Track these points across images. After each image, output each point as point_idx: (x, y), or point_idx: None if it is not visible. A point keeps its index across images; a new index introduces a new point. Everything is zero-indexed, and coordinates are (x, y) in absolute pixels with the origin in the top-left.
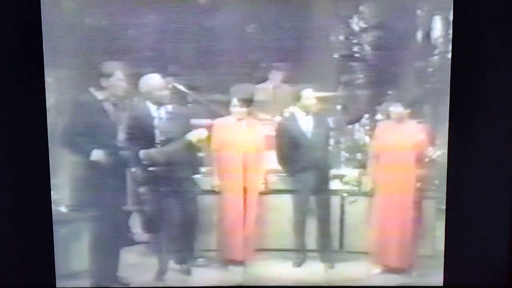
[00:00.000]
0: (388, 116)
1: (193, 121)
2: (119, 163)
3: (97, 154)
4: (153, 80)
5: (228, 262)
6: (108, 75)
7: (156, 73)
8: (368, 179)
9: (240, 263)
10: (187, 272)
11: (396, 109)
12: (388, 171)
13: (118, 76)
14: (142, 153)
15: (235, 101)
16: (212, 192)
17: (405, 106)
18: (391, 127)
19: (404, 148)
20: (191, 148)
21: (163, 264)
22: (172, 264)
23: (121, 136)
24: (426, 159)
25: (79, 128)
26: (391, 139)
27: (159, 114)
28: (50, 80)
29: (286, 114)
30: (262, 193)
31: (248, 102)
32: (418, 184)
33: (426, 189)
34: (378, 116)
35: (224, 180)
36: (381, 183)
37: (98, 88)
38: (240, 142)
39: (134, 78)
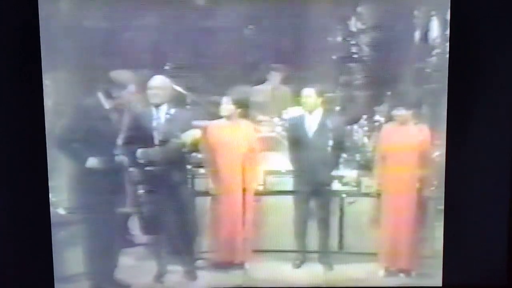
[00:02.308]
0: (387, 118)
1: (192, 123)
2: (117, 166)
3: (92, 161)
4: (154, 80)
5: (227, 264)
6: (121, 86)
7: (153, 74)
8: (373, 181)
9: (239, 265)
10: (193, 277)
11: (399, 112)
12: (393, 173)
13: (130, 89)
14: (139, 152)
15: (229, 100)
16: (210, 194)
17: (407, 107)
18: (395, 129)
19: (409, 150)
20: (187, 148)
21: (162, 266)
22: (171, 266)
23: (119, 137)
24: (426, 160)
25: (77, 131)
26: (396, 141)
27: (158, 116)
28: (47, 82)
29: (291, 114)
30: (260, 194)
31: (242, 103)
32: (418, 185)
33: (425, 189)
34: (377, 117)
35: (222, 182)
36: (384, 185)
37: (108, 96)
38: (235, 143)
39: (140, 86)
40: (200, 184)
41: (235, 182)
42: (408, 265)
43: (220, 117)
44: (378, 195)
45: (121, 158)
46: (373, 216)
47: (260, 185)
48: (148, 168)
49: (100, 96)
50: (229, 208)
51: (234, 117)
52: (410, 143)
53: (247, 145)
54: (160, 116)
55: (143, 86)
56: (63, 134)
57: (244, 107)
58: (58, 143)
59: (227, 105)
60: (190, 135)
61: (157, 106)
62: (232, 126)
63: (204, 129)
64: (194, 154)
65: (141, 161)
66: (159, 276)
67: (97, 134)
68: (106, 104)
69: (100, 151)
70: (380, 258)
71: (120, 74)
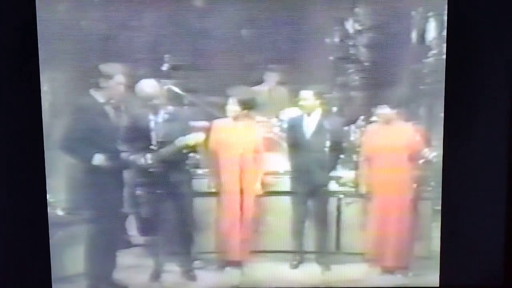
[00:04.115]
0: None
1: (190, 123)
2: (116, 166)
3: (99, 159)
4: (147, 87)
5: (225, 264)
6: (108, 77)
7: (151, 75)
8: (361, 181)
9: (237, 265)
10: (190, 277)
11: (384, 110)
12: (380, 173)
13: (118, 79)
14: (137, 153)
15: (233, 101)
16: (209, 194)
17: (396, 107)
18: (380, 129)
19: (395, 150)
20: (188, 150)
21: (158, 266)
22: (167, 266)
23: (119, 138)
24: (422, 160)
25: (76, 131)
26: (381, 141)
27: (155, 118)
28: (45, 82)
29: (288, 115)
30: (259, 195)
31: (248, 104)
32: (414, 185)
33: (421, 190)
34: (374, 118)
35: (222, 182)
36: (373, 185)
37: (97, 89)
38: (237, 143)
39: (130, 80)
40: (198, 184)
41: (238, 182)
42: (404, 265)
43: (219, 117)
44: (371, 196)
45: (119, 158)
46: (368, 216)
47: (260, 185)
48: (146, 168)
49: (92, 92)
50: (229, 208)
51: (240, 118)
52: (396, 142)
53: (252, 146)
54: (158, 117)
55: (133, 79)
56: (65, 134)
57: (250, 108)
58: (60, 143)
59: (232, 106)
60: (194, 138)
61: (154, 112)
62: (238, 126)
63: (208, 128)
64: (192, 154)
65: (139, 162)
66: (156, 276)
67: (96, 134)
68: (100, 98)
69: (100, 150)
70: (376, 259)
71: (107, 65)
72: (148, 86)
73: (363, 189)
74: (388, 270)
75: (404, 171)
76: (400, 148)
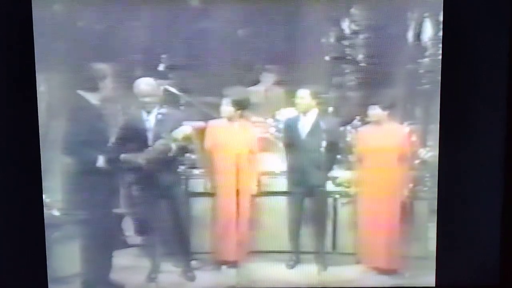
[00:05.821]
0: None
1: (185, 123)
2: (112, 167)
3: (101, 160)
4: (143, 85)
5: (221, 264)
6: (100, 78)
7: (147, 75)
8: (356, 182)
9: (234, 265)
10: (187, 278)
11: (375, 111)
12: (374, 173)
13: (109, 80)
14: (131, 154)
15: (228, 102)
16: (206, 194)
17: (391, 107)
18: (371, 130)
19: (387, 150)
20: (178, 144)
21: (155, 266)
22: (164, 266)
23: (113, 139)
24: (418, 161)
25: (71, 132)
26: (373, 142)
27: (151, 118)
28: (41, 83)
29: (284, 115)
30: (256, 195)
31: (243, 104)
32: (410, 185)
33: (417, 190)
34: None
35: (218, 182)
36: (368, 185)
37: (91, 90)
38: (233, 144)
39: (126, 81)
40: (195, 185)
41: (233, 183)
42: (400, 266)
43: (215, 117)
44: (365, 196)
45: (115, 159)
46: (363, 217)
47: (256, 185)
48: (142, 169)
49: (84, 93)
50: (225, 208)
51: (235, 118)
52: (389, 142)
53: (247, 147)
54: (151, 118)
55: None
56: (60, 135)
57: (244, 108)
58: (55, 144)
59: (226, 107)
60: (181, 132)
61: (149, 110)
62: (232, 127)
63: (203, 129)
64: (188, 154)
65: (134, 163)
66: (152, 277)
67: (91, 134)
68: (92, 99)
69: (95, 151)
70: (372, 259)
71: (99, 66)
72: (145, 83)
73: (358, 190)
74: (384, 271)
75: (399, 172)
76: (392, 148)
